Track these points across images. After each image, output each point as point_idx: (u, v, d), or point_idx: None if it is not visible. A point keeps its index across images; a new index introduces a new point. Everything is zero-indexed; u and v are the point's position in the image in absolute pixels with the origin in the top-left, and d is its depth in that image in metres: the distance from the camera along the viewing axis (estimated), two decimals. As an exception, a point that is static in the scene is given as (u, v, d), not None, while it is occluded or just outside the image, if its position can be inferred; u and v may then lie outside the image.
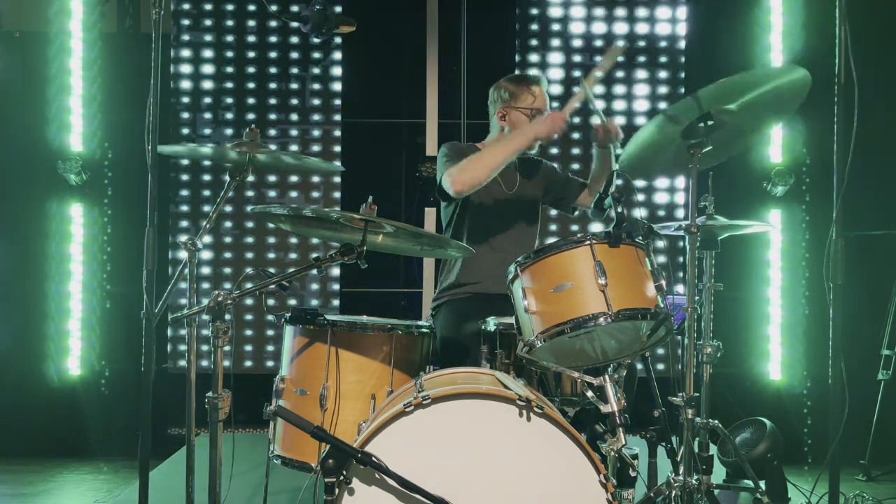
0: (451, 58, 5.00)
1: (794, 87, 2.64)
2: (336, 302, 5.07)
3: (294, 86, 5.05)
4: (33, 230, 4.86)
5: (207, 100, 5.02)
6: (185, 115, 5.02)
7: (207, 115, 5.02)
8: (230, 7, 5.02)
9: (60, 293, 4.86)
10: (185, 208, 5.01)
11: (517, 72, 4.97)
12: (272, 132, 5.01)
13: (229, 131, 4.99)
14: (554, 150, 5.01)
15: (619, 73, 5.03)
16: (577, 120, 5.02)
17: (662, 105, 5.03)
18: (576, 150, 5.05)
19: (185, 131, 5.00)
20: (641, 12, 5.04)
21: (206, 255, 4.98)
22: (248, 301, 4.93)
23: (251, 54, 5.03)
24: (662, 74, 5.03)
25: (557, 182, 3.57)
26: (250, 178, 2.72)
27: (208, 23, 5.02)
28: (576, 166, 5.03)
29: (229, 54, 5.03)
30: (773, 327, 4.87)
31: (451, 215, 3.50)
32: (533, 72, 5.00)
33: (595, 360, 2.48)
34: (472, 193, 3.35)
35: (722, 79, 2.53)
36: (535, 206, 3.52)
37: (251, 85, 5.03)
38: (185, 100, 5.01)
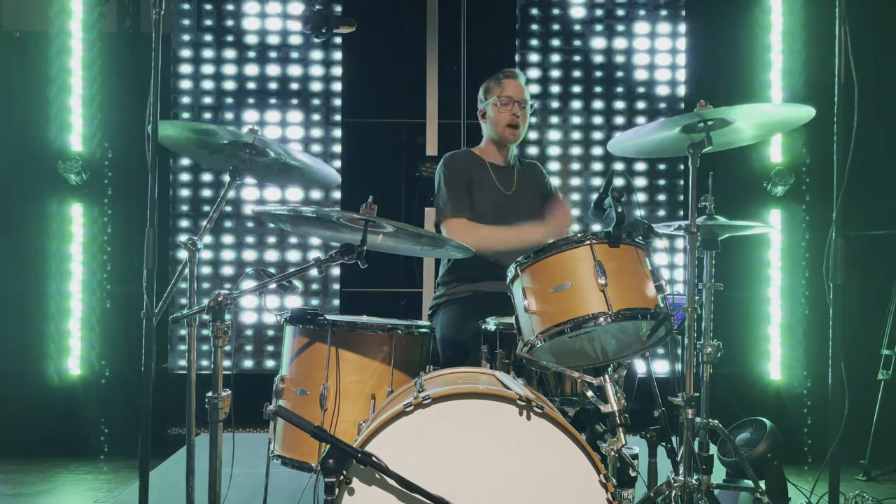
0: (451, 58, 5.00)
1: (797, 117, 2.68)
2: (336, 302, 5.07)
3: (294, 86, 5.05)
4: (33, 230, 4.86)
5: (207, 100, 5.02)
6: (186, 115, 5.01)
7: (207, 115, 5.02)
8: (230, 7, 5.02)
9: (60, 293, 4.85)
10: (185, 208, 5.01)
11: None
12: (272, 132, 5.01)
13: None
14: (555, 166, 5.01)
15: (619, 74, 5.03)
16: (578, 120, 5.03)
17: (661, 105, 5.02)
18: (576, 151, 5.05)
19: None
20: (641, 12, 5.04)
21: (206, 255, 4.97)
22: (248, 301, 4.93)
23: (251, 54, 5.03)
24: (662, 75, 5.03)
25: (547, 198, 3.59)
26: (250, 178, 2.73)
27: (208, 23, 5.02)
28: (575, 167, 5.03)
29: (229, 54, 5.03)
30: (773, 327, 4.87)
31: None
32: (532, 72, 5.01)
33: (595, 360, 2.48)
34: (473, 191, 3.41)
35: (724, 106, 2.55)
36: (535, 207, 3.52)
37: (251, 85, 5.03)
38: (186, 100, 5.01)
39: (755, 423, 3.68)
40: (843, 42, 2.93)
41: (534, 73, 5.03)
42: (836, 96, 2.94)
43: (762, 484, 3.23)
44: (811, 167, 4.81)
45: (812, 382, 4.79)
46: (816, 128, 2.90)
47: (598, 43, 5.04)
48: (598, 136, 5.03)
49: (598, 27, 5.04)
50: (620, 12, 5.04)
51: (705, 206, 3.09)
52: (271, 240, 5.03)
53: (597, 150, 5.03)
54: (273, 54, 5.04)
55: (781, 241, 4.86)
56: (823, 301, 3.05)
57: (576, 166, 5.03)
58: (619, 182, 2.54)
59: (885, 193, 4.69)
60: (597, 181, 5.00)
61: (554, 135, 5.04)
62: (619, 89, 5.04)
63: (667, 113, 5.01)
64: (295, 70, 5.05)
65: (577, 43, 5.04)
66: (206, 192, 5.02)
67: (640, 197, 4.98)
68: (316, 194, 5.05)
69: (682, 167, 4.99)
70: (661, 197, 5.03)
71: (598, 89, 5.03)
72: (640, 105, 5.03)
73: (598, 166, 5.03)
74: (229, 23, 5.03)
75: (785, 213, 4.85)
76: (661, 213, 5.03)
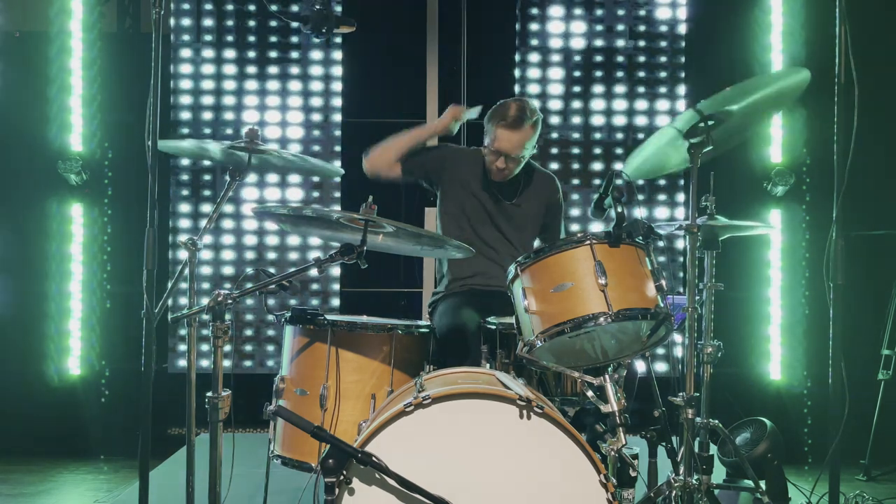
0: (451, 58, 5.00)
1: (795, 85, 2.67)
2: (336, 302, 5.07)
3: (294, 86, 5.05)
4: (33, 230, 4.86)
5: (208, 100, 5.01)
6: (186, 116, 5.01)
7: (207, 116, 5.02)
8: (230, 7, 5.02)
9: (60, 293, 4.85)
10: (185, 208, 5.01)
11: (517, 72, 4.99)
12: (272, 132, 5.01)
13: (229, 131, 4.99)
14: (555, 166, 5.01)
15: (619, 74, 5.03)
16: (578, 120, 5.03)
17: (662, 104, 5.02)
18: (576, 166, 5.04)
19: (185, 131, 5.00)
20: (641, 12, 5.04)
21: (206, 255, 4.97)
22: (248, 301, 4.93)
23: (251, 54, 5.03)
24: (662, 74, 5.03)
25: (552, 217, 3.57)
26: (250, 178, 2.73)
27: (208, 23, 5.02)
28: (576, 166, 5.03)
29: (229, 54, 5.03)
30: (773, 327, 4.86)
31: (441, 222, 3.52)
32: (533, 72, 5.00)
33: (595, 360, 2.48)
34: (465, 201, 3.42)
35: (724, 89, 2.54)
36: (536, 219, 3.50)
37: (251, 85, 5.03)
38: (185, 100, 5.01)
39: (755, 423, 3.68)
40: (843, 42, 2.93)
41: (534, 72, 5.03)
42: (836, 96, 2.94)
43: (762, 484, 3.23)
44: (811, 167, 4.80)
45: (812, 382, 4.78)
46: (816, 128, 2.89)
47: (599, 41, 5.04)
48: (598, 135, 5.02)
49: (599, 27, 5.03)
50: (621, 11, 5.03)
51: (706, 206, 3.09)
52: (271, 240, 5.03)
53: (597, 150, 5.03)
54: (273, 54, 5.04)
55: (781, 241, 4.86)
56: (823, 301, 3.05)
57: (576, 166, 5.03)
58: (619, 182, 2.54)
59: (885, 193, 4.69)
60: (596, 181, 5.00)
61: (555, 135, 5.03)
62: (620, 88, 5.03)
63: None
64: (295, 70, 5.05)
65: (577, 43, 5.03)
66: (206, 192, 5.02)
67: (640, 197, 4.98)
68: (316, 194, 5.05)
69: (682, 167, 4.99)
70: (662, 197, 5.03)
71: (598, 89, 5.03)
72: (640, 105, 5.02)
73: (597, 166, 5.03)
74: (229, 23, 5.03)
75: (785, 213, 4.85)
76: (662, 213, 5.02)
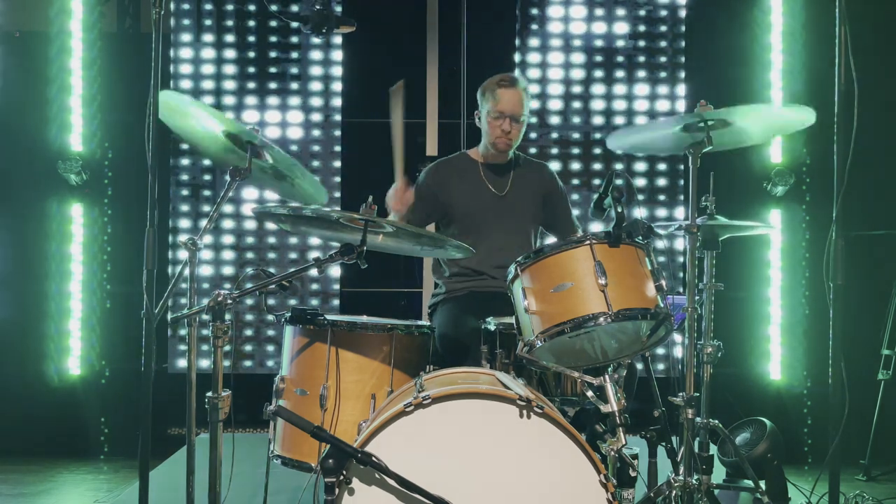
0: (451, 58, 5.00)
1: (798, 121, 2.69)
2: (336, 302, 5.07)
3: (294, 86, 5.05)
4: (33, 230, 4.86)
5: (208, 100, 5.01)
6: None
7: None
8: (230, 7, 5.02)
9: (60, 293, 4.85)
10: (185, 208, 5.02)
11: (517, 72, 4.99)
12: (272, 132, 5.01)
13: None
14: (555, 166, 5.01)
15: (619, 73, 5.03)
16: (577, 120, 5.03)
17: (662, 104, 5.02)
18: (576, 166, 5.04)
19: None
20: (641, 12, 5.03)
21: (207, 255, 4.98)
22: (248, 301, 4.93)
23: (251, 54, 5.03)
24: (662, 74, 5.03)
25: (555, 206, 3.57)
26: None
27: (208, 23, 5.02)
28: (576, 166, 5.03)
29: (229, 54, 5.03)
30: (773, 327, 4.86)
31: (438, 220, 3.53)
32: (533, 72, 5.00)
33: (595, 360, 2.48)
34: (455, 198, 3.43)
35: (725, 107, 2.56)
36: (531, 208, 3.51)
37: (251, 85, 5.03)
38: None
39: (755, 423, 3.68)
40: (843, 43, 2.93)
41: (534, 72, 5.03)
42: (836, 96, 2.94)
43: (762, 484, 3.23)
44: (811, 167, 4.80)
45: (812, 382, 4.78)
46: (816, 128, 2.88)
47: (599, 42, 5.04)
48: (598, 135, 5.02)
49: (599, 27, 5.03)
50: (621, 12, 5.03)
51: (706, 206, 3.09)
52: (271, 240, 5.03)
53: (597, 150, 5.03)
54: (273, 54, 5.04)
55: (781, 241, 4.86)
56: (823, 301, 3.05)
57: (576, 166, 5.03)
58: (618, 182, 2.55)
59: (885, 193, 4.69)
60: (596, 181, 5.00)
61: (555, 135, 5.04)
62: (620, 89, 5.03)
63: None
64: (295, 70, 5.05)
65: (577, 43, 5.03)
66: (206, 192, 5.02)
67: (640, 197, 4.98)
68: (316, 194, 5.04)
69: (682, 167, 4.99)
70: (662, 197, 5.03)
71: (598, 89, 5.03)
72: (640, 105, 5.02)
73: (597, 166, 5.03)
74: (229, 23, 5.03)
75: (785, 213, 4.85)
76: (662, 213, 5.02)
